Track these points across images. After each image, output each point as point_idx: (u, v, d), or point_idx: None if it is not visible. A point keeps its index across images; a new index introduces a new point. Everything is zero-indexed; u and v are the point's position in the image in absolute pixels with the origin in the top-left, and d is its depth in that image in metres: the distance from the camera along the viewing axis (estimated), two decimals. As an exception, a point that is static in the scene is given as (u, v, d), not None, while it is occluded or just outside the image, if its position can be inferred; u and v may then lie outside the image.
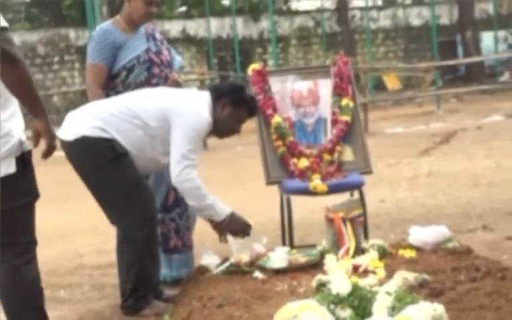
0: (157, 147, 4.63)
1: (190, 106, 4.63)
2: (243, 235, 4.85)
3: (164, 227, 5.21)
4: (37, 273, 3.65)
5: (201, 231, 6.46)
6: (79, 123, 4.56)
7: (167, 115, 4.57)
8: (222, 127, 4.80)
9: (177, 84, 5.17)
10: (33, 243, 3.64)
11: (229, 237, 4.99)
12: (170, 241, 5.24)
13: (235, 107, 4.78)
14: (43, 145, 3.58)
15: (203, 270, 5.04)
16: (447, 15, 31.46)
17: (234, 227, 4.79)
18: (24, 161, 3.48)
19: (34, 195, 3.62)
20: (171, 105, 4.60)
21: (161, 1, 5.09)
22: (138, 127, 4.56)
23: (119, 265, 4.69)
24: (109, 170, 4.50)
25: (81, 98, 20.26)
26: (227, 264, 4.97)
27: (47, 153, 3.56)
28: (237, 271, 4.87)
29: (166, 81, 5.13)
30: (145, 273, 4.64)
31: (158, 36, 5.27)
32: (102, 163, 4.49)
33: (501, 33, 28.89)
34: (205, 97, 4.74)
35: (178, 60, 5.42)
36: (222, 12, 29.83)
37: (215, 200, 4.70)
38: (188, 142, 4.58)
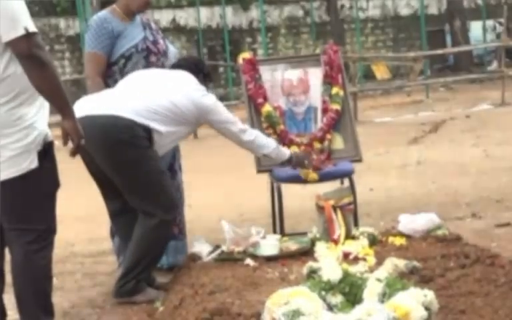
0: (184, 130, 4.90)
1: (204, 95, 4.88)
2: (308, 163, 5.35)
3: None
4: (49, 261, 3.73)
5: (192, 220, 6.49)
6: (127, 104, 4.61)
7: (200, 113, 4.81)
8: None
9: None
10: (50, 231, 3.71)
11: (225, 225, 5.03)
12: None
13: (209, 79, 5.16)
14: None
15: (195, 257, 5.07)
16: (435, 5, 31.46)
17: (300, 161, 5.31)
18: (45, 152, 3.55)
19: (54, 184, 3.70)
20: (203, 102, 4.83)
21: None
22: (178, 123, 4.74)
23: (134, 247, 4.68)
24: (145, 157, 4.59)
25: (71, 87, 20.22)
26: (218, 251, 5.00)
27: (75, 152, 3.65)
28: (228, 258, 4.91)
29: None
30: (156, 259, 4.78)
31: (153, 25, 5.30)
32: (140, 150, 4.57)
33: (489, 23, 28.92)
34: (193, 79, 4.94)
35: (173, 50, 5.45)
36: (211, 1, 29.72)
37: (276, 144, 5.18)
38: (227, 119, 4.94)
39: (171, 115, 4.68)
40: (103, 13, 5.18)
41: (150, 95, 4.70)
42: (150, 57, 5.11)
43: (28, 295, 3.67)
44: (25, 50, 3.38)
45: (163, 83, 4.82)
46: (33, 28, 3.41)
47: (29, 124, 3.50)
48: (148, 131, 4.59)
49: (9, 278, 3.81)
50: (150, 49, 5.13)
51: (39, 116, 3.54)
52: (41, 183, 3.58)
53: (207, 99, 4.83)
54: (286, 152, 5.20)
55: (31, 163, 3.52)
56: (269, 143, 5.09)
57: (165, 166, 5.23)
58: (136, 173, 4.59)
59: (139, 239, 4.66)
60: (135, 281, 4.63)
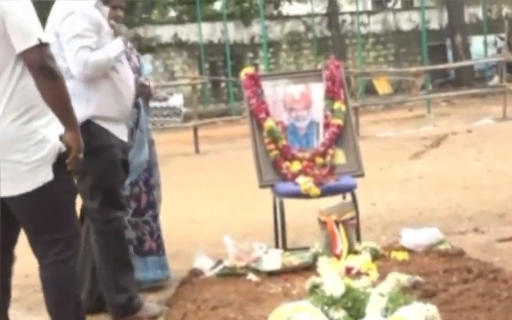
0: None
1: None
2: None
3: (138, 231, 5.25)
4: (76, 270, 3.75)
5: (194, 234, 6.51)
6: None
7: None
8: None
9: (144, 87, 5.20)
10: (73, 236, 3.73)
11: (227, 241, 5.03)
12: (145, 243, 5.26)
13: None
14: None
15: (197, 272, 5.07)
16: (436, 20, 31.55)
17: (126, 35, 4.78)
18: (59, 163, 3.57)
19: (71, 193, 3.74)
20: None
21: (126, 5, 5.14)
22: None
23: (97, 261, 4.62)
24: (96, 163, 4.45)
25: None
26: (220, 266, 5.00)
27: (72, 163, 3.63)
28: (230, 273, 4.91)
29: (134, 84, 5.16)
30: (122, 260, 4.62)
31: (128, 43, 5.31)
32: (105, 147, 4.48)
33: (490, 37, 28.97)
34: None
35: (147, 67, 5.51)
36: (213, 17, 29.83)
37: (107, 48, 4.55)
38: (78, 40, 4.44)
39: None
40: None
41: None
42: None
43: (57, 305, 3.69)
44: (38, 60, 3.43)
45: None
46: (46, 39, 3.47)
47: (43, 137, 3.53)
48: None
49: (14, 293, 3.82)
50: None
51: (50, 128, 3.57)
52: (58, 194, 3.60)
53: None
54: (118, 45, 4.60)
55: (47, 175, 3.54)
56: (102, 60, 4.45)
57: (142, 181, 5.21)
58: (87, 177, 4.48)
59: (96, 251, 4.61)
60: (126, 296, 4.57)
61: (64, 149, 3.58)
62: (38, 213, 3.58)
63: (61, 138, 3.58)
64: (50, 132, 3.55)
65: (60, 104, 3.52)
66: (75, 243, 3.74)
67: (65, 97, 3.54)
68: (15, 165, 3.50)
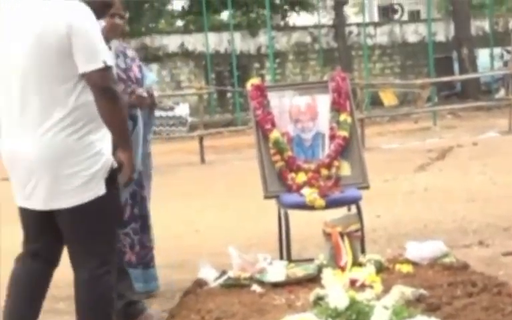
0: None
1: None
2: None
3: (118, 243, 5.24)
4: (113, 285, 3.76)
5: (198, 244, 6.51)
6: None
7: None
8: None
9: (143, 99, 5.19)
10: (112, 252, 3.76)
11: (232, 252, 5.03)
12: (124, 255, 5.23)
13: None
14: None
15: (201, 283, 5.07)
16: (443, 32, 31.55)
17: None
18: (111, 178, 3.61)
19: (118, 210, 3.81)
20: None
21: (125, 13, 5.13)
22: None
23: None
24: None
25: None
26: (225, 277, 5.00)
27: (126, 184, 3.70)
28: (234, 284, 4.90)
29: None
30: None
31: (130, 53, 5.30)
32: None
33: (497, 50, 28.94)
34: None
35: (151, 77, 5.50)
36: (220, 27, 29.88)
37: None
38: None
39: None
40: None
41: None
42: (118, 84, 5.04)
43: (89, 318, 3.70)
44: (102, 83, 3.45)
45: None
46: (110, 61, 3.50)
47: (98, 150, 3.55)
48: None
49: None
50: (119, 75, 5.06)
51: (105, 142, 3.60)
52: (107, 209, 3.62)
53: None
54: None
55: (99, 189, 3.56)
56: None
57: (126, 192, 5.20)
58: None
59: None
60: (122, 302, 4.52)
61: (116, 165, 3.60)
62: (85, 225, 3.60)
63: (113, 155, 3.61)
64: (105, 146, 3.58)
65: (119, 126, 3.56)
66: (113, 258, 3.75)
67: (124, 120, 3.60)
68: (68, 178, 3.52)
